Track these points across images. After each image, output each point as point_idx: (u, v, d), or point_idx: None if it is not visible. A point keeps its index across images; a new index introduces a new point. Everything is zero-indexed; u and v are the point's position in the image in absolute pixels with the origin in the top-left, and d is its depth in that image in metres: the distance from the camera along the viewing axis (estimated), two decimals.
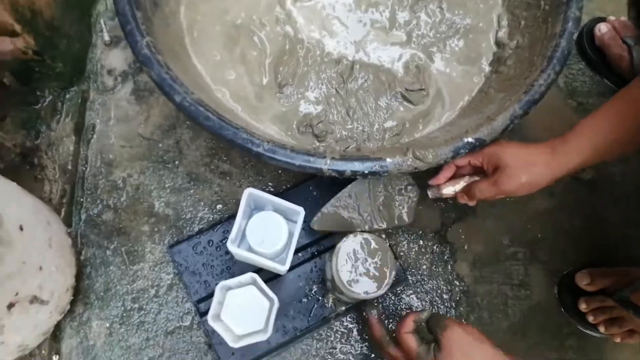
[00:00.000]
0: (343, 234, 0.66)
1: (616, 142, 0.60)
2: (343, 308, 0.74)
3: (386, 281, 0.62)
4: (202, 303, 0.74)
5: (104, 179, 0.82)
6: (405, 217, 0.74)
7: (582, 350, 0.79)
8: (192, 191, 0.81)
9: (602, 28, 0.88)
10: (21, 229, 0.61)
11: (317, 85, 0.79)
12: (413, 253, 0.81)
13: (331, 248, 0.64)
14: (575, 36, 0.68)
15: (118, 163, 0.83)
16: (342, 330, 0.77)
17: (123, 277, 0.77)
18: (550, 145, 0.63)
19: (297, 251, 0.76)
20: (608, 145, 0.61)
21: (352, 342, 0.76)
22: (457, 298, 0.80)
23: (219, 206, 0.81)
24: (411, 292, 0.79)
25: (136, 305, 0.76)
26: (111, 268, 0.78)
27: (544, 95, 0.65)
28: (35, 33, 0.74)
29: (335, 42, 0.81)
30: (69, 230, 0.78)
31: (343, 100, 0.78)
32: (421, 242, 0.81)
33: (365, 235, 0.64)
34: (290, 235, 0.67)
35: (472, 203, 0.70)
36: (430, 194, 0.72)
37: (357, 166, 0.61)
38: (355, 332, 0.77)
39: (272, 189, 0.81)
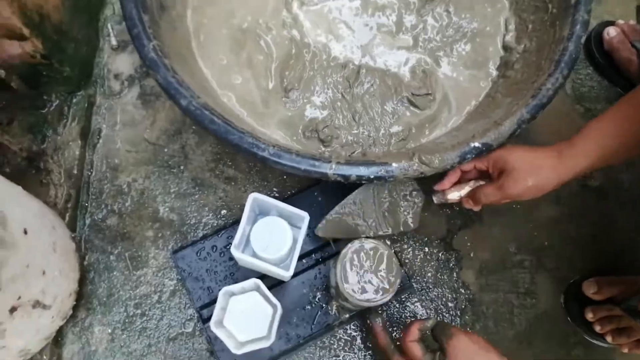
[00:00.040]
0: (348, 240, 0.66)
1: (623, 146, 0.60)
2: (347, 315, 0.73)
3: (391, 289, 0.62)
4: (205, 309, 0.73)
5: (109, 184, 0.82)
6: (410, 222, 0.73)
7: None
8: (196, 196, 0.81)
9: (611, 32, 0.87)
10: (25, 232, 0.61)
11: (323, 90, 0.78)
12: (418, 260, 0.80)
13: (336, 255, 0.63)
14: (583, 40, 0.67)
15: (123, 168, 0.83)
16: (346, 338, 0.76)
17: (126, 282, 0.77)
18: (556, 149, 0.62)
19: (301, 257, 0.75)
20: (615, 148, 0.60)
21: (356, 351, 0.75)
22: (463, 306, 0.79)
23: (224, 211, 0.80)
24: (416, 299, 0.78)
25: (139, 311, 0.76)
26: (114, 273, 0.77)
27: (551, 99, 0.64)
28: (44, 37, 0.75)
29: (342, 46, 0.81)
30: (73, 235, 0.77)
31: (349, 104, 0.77)
32: (427, 249, 0.80)
33: (370, 242, 0.63)
34: (295, 241, 0.66)
35: (477, 208, 0.69)
36: (435, 199, 0.71)
37: (363, 171, 0.61)
38: (359, 340, 0.76)
39: (277, 195, 0.81)
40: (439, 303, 0.78)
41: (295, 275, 0.74)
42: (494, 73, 0.79)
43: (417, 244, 0.80)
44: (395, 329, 0.76)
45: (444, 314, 0.78)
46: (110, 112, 0.86)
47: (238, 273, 0.74)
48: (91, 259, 0.78)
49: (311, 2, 0.82)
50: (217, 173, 0.82)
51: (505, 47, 0.80)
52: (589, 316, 0.75)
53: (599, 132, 0.61)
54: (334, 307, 0.74)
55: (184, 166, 0.83)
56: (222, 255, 0.75)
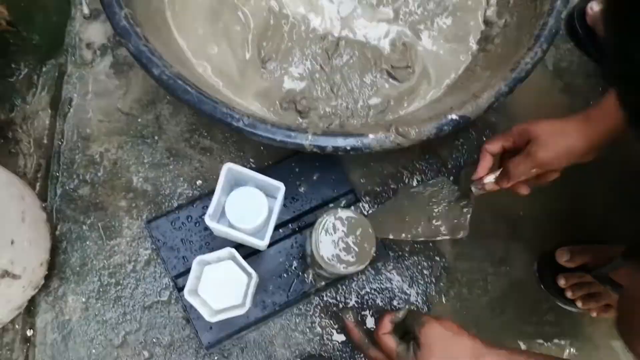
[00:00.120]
0: (325, 211, 0.66)
1: None
2: (323, 283, 0.73)
3: (366, 256, 0.62)
4: (180, 278, 0.73)
5: (81, 154, 0.80)
6: (466, 227, 0.72)
7: (559, 325, 0.80)
8: (171, 167, 0.80)
9: (594, 6, 0.87)
10: None
11: (302, 61, 0.77)
12: None
13: (312, 224, 0.63)
14: (563, 14, 0.67)
15: (95, 137, 0.81)
16: (322, 305, 0.76)
17: (100, 252, 0.76)
18: (583, 114, 0.61)
19: (277, 227, 0.75)
20: None
21: (332, 316, 0.76)
22: (438, 274, 0.79)
23: (199, 182, 0.79)
24: (392, 267, 0.79)
25: (113, 280, 0.75)
26: (87, 243, 0.76)
27: (529, 73, 0.64)
28: (9, 3, 0.72)
29: (321, 18, 0.79)
30: (43, 205, 0.76)
31: (327, 76, 0.77)
32: None
33: (345, 210, 0.63)
34: (271, 211, 0.66)
35: (510, 183, 0.65)
36: (475, 190, 0.69)
37: (340, 142, 0.60)
38: (334, 307, 0.76)
39: (253, 166, 0.80)
40: (415, 271, 0.79)
41: (271, 244, 0.73)
42: (474, 47, 0.79)
43: None
44: (371, 297, 0.77)
45: (419, 281, 0.79)
46: (81, 82, 0.83)
47: (214, 242, 0.74)
48: (63, 228, 0.77)
49: None
50: (192, 143, 0.81)
51: (486, 22, 0.80)
52: (561, 283, 0.76)
53: None
54: (310, 275, 0.74)
55: (158, 136, 0.81)
56: (197, 225, 0.74)
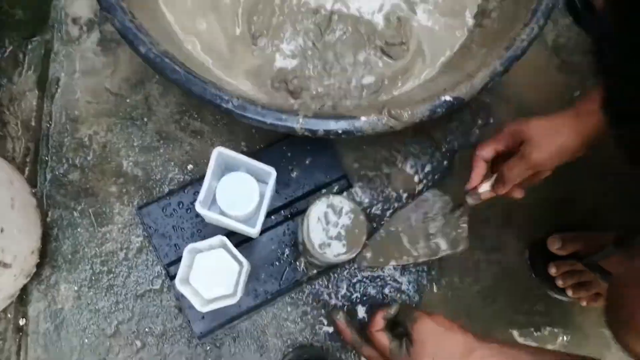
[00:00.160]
0: (317, 197, 0.65)
1: None
2: (315, 272, 0.73)
3: (358, 244, 0.61)
4: (172, 266, 0.73)
5: (70, 137, 0.78)
6: (465, 239, 0.71)
7: (550, 314, 0.80)
8: (161, 150, 0.78)
9: None
10: None
11: (293, 37, 0.75)
12: (387, 215, 0.79)
13: (305, 211, 0.62)
14: None
15: (84, 119, 0.79)
16: (314, 293, 0.76)
17: (91, 239, 0.75)
18: (572, 109, 0.60)
19: (269, 214, 0.74)
20: None
21: (323, 306, 0.76)
22: (429, 261, 0.79)
23: (190, 166, 0.78)
24: None
25: (105, 268, 0.75)
26: (79, 230, 0.76)
27: (525, 51, 0.62)
28: None
29: None
30: (33, 191, 0.75)
31: (320, 54, 0.74)
32: (396, 205, 0.79)
33: (337, 197, 0.62)
34: (262, 197, 0.65)
35: (506, 188, 0.64)
36: (470, 200, 0.67)
37: (331, 125, 0.59)
38: (326, 296, 0.76)
39: (245, 149, 0.78)
40: None
41: (263, 231, 0.73)
42: (470, 22, 0.76)
43: (387, 200, 0.79)
44: (363, 285, 0.77)
45: (411, 269, 0.78)
46: (68, 60, 0.81)
47: (205, 230, 0.73)
48: (54, 215, 0.76)
49: None
50: (182, 126, 0.79)
51: None
52: (552, 271, 0.76)
53: None
54: (302, 264, 0.73)
55: (148, 118, 0.79)
56: (188, 211, 0.74)
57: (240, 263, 0.63)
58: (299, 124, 0.59)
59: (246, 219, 0.66)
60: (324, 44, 0.74)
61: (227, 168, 0.68)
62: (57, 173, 0.77)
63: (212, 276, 0.63)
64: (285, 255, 0.73)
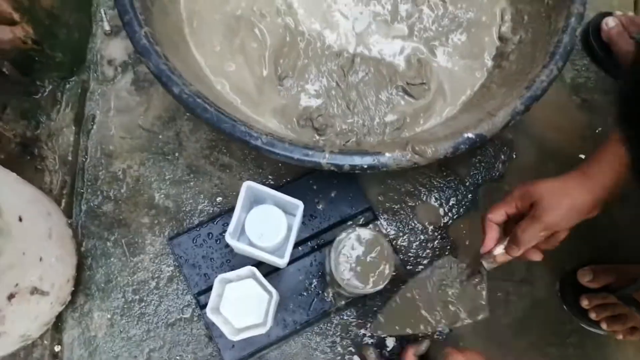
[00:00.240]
0: (343, 229, 0.66)
1: None
2: (343, 302, 0.74)
3: (385, 276, 0.63)
4: (202, 295, 0.74)
5: (104, 170, 0.82)
6: (484, 306, 0.69)
7: (583, 347, 0.79)
8: (192, 183, 0.81)
9: (610, 22, 0.87)
10: (20, 219, 0.61)
11: (318, 78, 0.78)
12: (413, 247, 0.81)
13: (331, 242, 0.64)
14: (578, 32, 0.67)
15: (118, 154, 0.83)
16: (342, 324, 0.77)
17: (124, 268, 0.78)
18: (581, 169, 0.61)
19: (297, 245, 0.76)
20: None
21: (352, 336, 0.77)
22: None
23: (219, 199, 0.81)
24: None
25: (137, 297, 0.77)
26: (112, 259, 0.78)
27: (545, 91, 0.65)
28: (35, 22, 0.74)
29: (336, 35, 0.80)
30: (69, 221, 0.78)
31: (343, 93, 0.77)
32: (422, 237, 0.81)
33: (363, 229, 0.64)
34: (290, 228, 0.67)
35: (520, 251, 0.62)
36: (486, 265, 0.66)
37: (356, 160, 0.61)
38: (354, 327, 0.77)
39: (272, 182, 0.81)
40: None
41: (291, 262, 0.74)
42: (489, 63, 0.79)
43: (413, 232, 0.81)
44: None
45: None
46: (104, 98, 0.85)
47: (234, 260, 0.75)
48: (88, 245, 0.79)
49: None
50: (212, 160, 0.83)
51: (501, 38, 0.80)
52: (584, 304, 0.75)
53: (614, 144, 0.58)
54: (330, 294, 0.75)
55: (179, 153, 0.83)
56: (218, 242, 0.76)
57: (269, 293, 0.65)
58: (325, 159, 0.61)
59: (274, 249, 0.68)
60: (347, 84, 0.78)
61: (255, 201, 0.70)
62: (92, 205, 0.80)
63: (242, 306, 0.64)
64: (312, 285, 0.75)
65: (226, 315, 0.64)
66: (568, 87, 0.89)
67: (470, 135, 0.63)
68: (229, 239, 0.64)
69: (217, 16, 0.79)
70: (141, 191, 0.81)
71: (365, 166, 0.61)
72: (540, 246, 0.63)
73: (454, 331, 0.77)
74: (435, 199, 0.82)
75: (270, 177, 0.82)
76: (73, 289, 0.74)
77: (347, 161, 0.61)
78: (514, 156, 0.85)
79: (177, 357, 0.75)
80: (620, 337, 0.75)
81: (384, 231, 0.80)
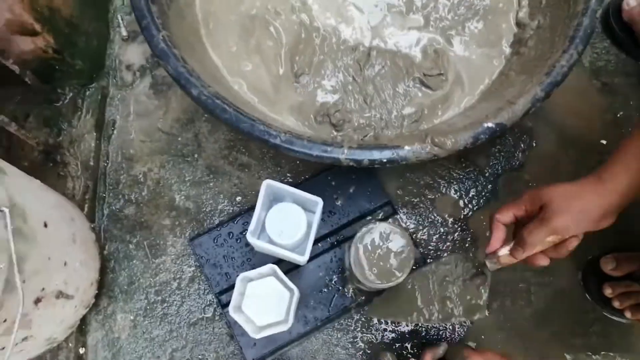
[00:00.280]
0: (363, 224, 0.66)
1: None
2: (363, 298, 0.74)
3: (404, 269, 0.62)
4: (224, 295, 0.75)
5: (125, 174, 0.83)
6: (483, 306, 0.68)
7: (607, 336, 0.78)
8: (211, 184, 0.82)
9: (631, 2, 0.84)
10: (45, 225, 0.62)
11: (334, 74, 0.78)
12: (434, 240, 0.80)
13: (351, 238, 0.64)
14: (598, 14, 0.65)
15: (138, 158, 0.84)
16: (363, 319, 0.76)
17: (146, 270, 0.79)
18: (594, 174, 0.58)
19: (316, 241, 0.76)
20: None
21: (373, 331, 0.76)
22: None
23: (239, 198, 0.81)
24: None
25: (159, 298, 0.77)
26: (134, 262, 0.79)
27: (566, 76, 0.63)
28: (55, 31, 0.75)
29: (351, 29, 0.80)
30: (92, 226, 0.79)
31: (360, 87, 0.77)
32: (442, 230, 0.80)
33: (383, 224, 0.63)
34: (309, 225, 0.66)
35: (525, 254, 0.61)
36: (490, 265, 0.65)
37: (375, 155, 0.60)
38: (375, 321, 0.76)
39: (290, 180, 0.81)
40: None
41: (311, 259, 0.74)
42: (507, 51, 0.78)
43: (433, 225, 0.80)
44: None
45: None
46: (123, 103, 0.87)
47: (255, 258, 0.75)
48: (111, 248, 0.80)
49: None
50: (230, 160, 0.83)
51: (519, 24, 0.78)
52: (608, 292, 0.73)
53: (634, 146, 0.56)
54: (350, 290, 0.74)
55: (198, 154, 0.83)
56: (238, 241, 0.76)
57: (290, 290, 0.65)
58: (344, 154, 0.60)
59: (294, 247, 0.68)
60: (363, 78, 0.77)
61: (275, 199, 0.70)
62: (114, 208, 0.81)
63: (264, 303, 0.64)
64: (333, 282, 0.75)
65: (248, 314, 0.64)
66: (588, 71, 0.87)
67: (490, 124, 0.62)
68: (250, 237, 0.64)
69: (232, 17, 0.79)
70: (162, 193, 0.82)
71: (385, 160, 0.61)
72: (548, 254, 0.61)
73: (475, 323, 0.77)
74: (455, 190, 0.81)
75: (288, 174, 0.82)
76: (97, 291, 0.75)
77: (366, 156, 0.60)
78: (534, 144, 0.83)
79: (200, 357, 0.75)
80: None
81: (404, 225, 0.79)
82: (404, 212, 0.80)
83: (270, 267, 0.64)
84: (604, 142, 0.83)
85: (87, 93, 0.86)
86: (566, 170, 0.82)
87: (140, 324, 0.77)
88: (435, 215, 0.80)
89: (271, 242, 0.67)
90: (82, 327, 0.77)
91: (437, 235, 0.80)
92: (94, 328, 0.77)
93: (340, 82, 0.77)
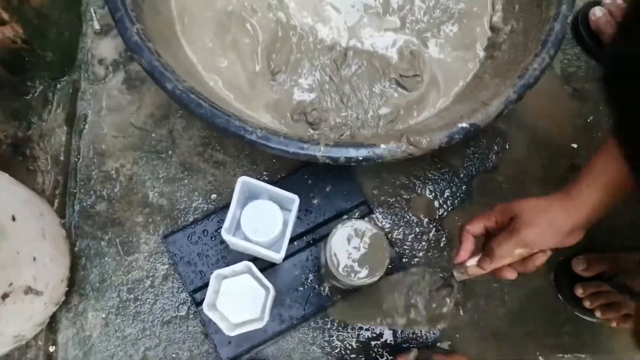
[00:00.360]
0: (339, 223, 0.66)
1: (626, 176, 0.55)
2: (339, 296, 0.74)
3: (380, 267, 0.62)
4: (198, 293, 0.74)
5: (97, 170, 0.81)
6: (446, 316, 0.68)
7: (579, 336, 0.79)
8: (186, 181, 0.81)
9: (597, 12, 0.87)
10: (14, 219, 0.61)
11: (311, 72, 0.78)
12: (409, 240, 0.81)
13: (326, 236, 0.64)
14: (569, 19, 0.67)
15: (111, 153, 0.82)
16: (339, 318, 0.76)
17: (118, 268, 0.77)
18: (563, 190, 0.59)
19: (292, 240, 0.76)
20: (620, 179, 0.56)
21: (349, 330, 0.76)
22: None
23: (214, 196, 0.80)
24: None
25: (132, 296, 0.76)
26: (106, 259, 0.77)
27: (538, 79, 0.65)
28: (24, 21, 0.73)
29: (328, 29, 0.80)
30: (62, 222, 0.77)
31: (337, 87, 0.77)
32: (417, 230, 0.81)
33: (359, 221, 0.64)
34: (285, 223, 0.66)
35: (493, 265, 0.61)
36: (457, 275, 0.65)
37: (352, 152, 0.61)
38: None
39: (266, 178, 0.81)
40: None
41: (287, 257, 0.74)
42: (482, 54, 0.80)
43: (408, 224, 0.81)
44: None
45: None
46: (95, 98, 0.85)
47: (230, 256, 0.75)
48: (82, 245, 0.78)
49: None
50: (205, 157, 0.82)
51: (493, 28, 0.80)
52: (579, 292, 0.75)
53: (603, 163, 0.57)
54: (326, 288, 0.74)
55: (172, 151, 0.82)
56: (213, 239, 0.75)
57: (266, 287, 0.65)
58: (320, 152, 0.60)
59: (270, 244, 0.68)
60: (340, 77, 0.78)
61: (250, 196, 0.70)
62: (85, 204, 0.80)
63: (239, 301, 0.64)
64: (309, 280, 0.75)
65: (223, 311, 0.64)
66: (560, 77, 0.89)
67: (464, 125, 0.63)
68: (224, 234, 0.64)
69: (208, 13, 0.79)
70: (135, 190, 0.80)
71: (361, 158, 0.61)
72: (516, 267, 0.61)
73: (449, 324, 0.76)
74: (430, 191, 0.82)
75: (264, 172, 0.81)
76: (67, 289, 0.74)
77: (342, 153, 0.61)
78: (507, 147, 0.85)
79: (173, 355, 0.75)
80: (614, 324, 0.75)
81: (380, 224, 0.80)
82: (379, 211, 0.81)
83: (245, 264, 0.64)
84: (575, 145, 0.85)
85: (58, 86, 0.84)
86: (538, 173, 0.84)
87: (112, 322, 0.75)
88: (411, 215, 0.81)
89: (246, 239, 0.66)
90: (52, 325, 0.75)
91: (413, 235, 0.81)
92: (64, 326, 0.75)
93: (317, 81, 0.78)
